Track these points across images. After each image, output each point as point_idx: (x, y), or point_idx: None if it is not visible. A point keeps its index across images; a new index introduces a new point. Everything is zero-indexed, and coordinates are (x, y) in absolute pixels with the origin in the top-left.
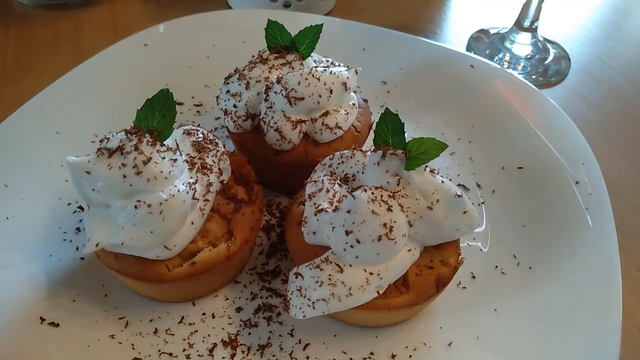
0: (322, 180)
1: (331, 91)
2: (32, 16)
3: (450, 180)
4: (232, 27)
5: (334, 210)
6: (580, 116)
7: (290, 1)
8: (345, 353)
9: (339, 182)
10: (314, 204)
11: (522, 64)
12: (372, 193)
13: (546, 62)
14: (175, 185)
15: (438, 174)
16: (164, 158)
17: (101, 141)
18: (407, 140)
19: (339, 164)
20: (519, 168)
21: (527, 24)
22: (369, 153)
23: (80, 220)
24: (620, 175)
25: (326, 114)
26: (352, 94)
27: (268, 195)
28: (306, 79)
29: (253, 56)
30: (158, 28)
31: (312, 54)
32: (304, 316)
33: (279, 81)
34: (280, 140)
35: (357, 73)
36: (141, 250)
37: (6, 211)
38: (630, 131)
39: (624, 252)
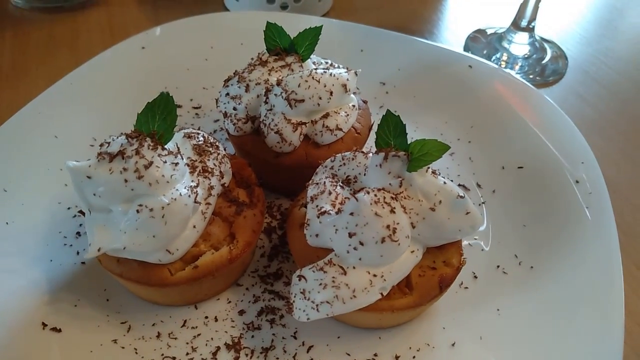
0: (324, 182)
1: (331, 93)
2: (28, 19)
3: (452, 181)
4: (230, 29)
5: (336, 213)
6: (578, 115)
7: (287, 2)
8: (349, 355)
9: (341, 184)
10: (317, 206)
11: (519, 64)
12: (375, 195)
13: (543, 61)
14: (177, 189)
15: (439, 175)
16: (165, 162)
17: (101, 145)
18: (408, 142)
19: (340, 165)
20: (519, 168)
21: (524, 23)
22: (370, 155)
23: (81, 225)
24: (618, 174)
25: (326, 115)
26: (352, 95)
27: (268, 198)
28: (306, 81)
29: (252, 58)
30: (156, 30)
31: (311, 56)
32: (308, 319)
33: (279, 83)
34: (280, 142)
35: (356, 75)
36: (143, 254)
37: (6, 216)
38: (628, 130)
39: (624, 251)
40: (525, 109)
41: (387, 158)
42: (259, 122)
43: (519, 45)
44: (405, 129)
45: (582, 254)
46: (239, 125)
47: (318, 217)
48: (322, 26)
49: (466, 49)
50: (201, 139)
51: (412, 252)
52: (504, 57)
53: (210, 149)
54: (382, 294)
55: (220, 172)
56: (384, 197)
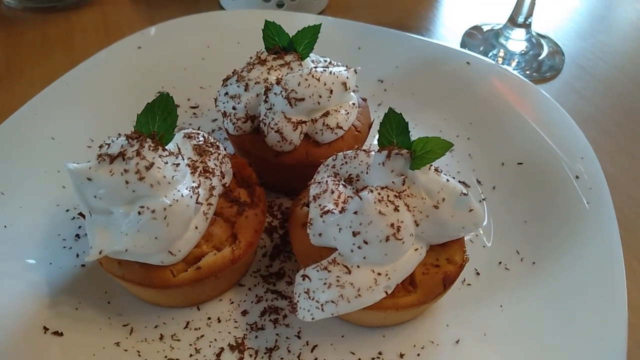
0: (326, 181)
1: (331, 91)
2: (21, 19)
3: (454, 178)
4: (226, 27)
5: (340, 212)
6: (575, 110)
7: (283, 1)
8: (353, 353)
9: (343, 183)
10: (319, 205)
11: (516, 60)
12: (379, 193)
13: (540, 57)
14: (178, 190)
15: (441, 172)
16: (166, 163)
17: (101, 147)
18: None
19: (342, 164)
20: (519, 164)
21: (521, 20)
22: (372, 153)
23: (80, 227)
24: (617, 169)
25: (327, 114)
26: (352, 93)
27: (269, 197)
28: (306, 79)
29: (251, 57)
30: (151, 30)
31: (310, 54)
32: (312, 318)
33: (278, 82)
34: (281, 141)
35: (356, 72)
36: (145, 256)
37: (4, 219)
38: (625, 124)
39: (625, 246)
40: (524, 105)
41: (390, 156)
42: (259, 121)
43: (516, 41)
44: (408, 127)
45: (584, 249)
46: (239, 125)
47: (321, 216)
48: (320, 24)
49: (463, 45)
50: (201, 139)
51: (416, 250)
52: (501, 54)
53: (211, 149)
54: (386, 292)
55: (221, 172)
56: (388, 196)
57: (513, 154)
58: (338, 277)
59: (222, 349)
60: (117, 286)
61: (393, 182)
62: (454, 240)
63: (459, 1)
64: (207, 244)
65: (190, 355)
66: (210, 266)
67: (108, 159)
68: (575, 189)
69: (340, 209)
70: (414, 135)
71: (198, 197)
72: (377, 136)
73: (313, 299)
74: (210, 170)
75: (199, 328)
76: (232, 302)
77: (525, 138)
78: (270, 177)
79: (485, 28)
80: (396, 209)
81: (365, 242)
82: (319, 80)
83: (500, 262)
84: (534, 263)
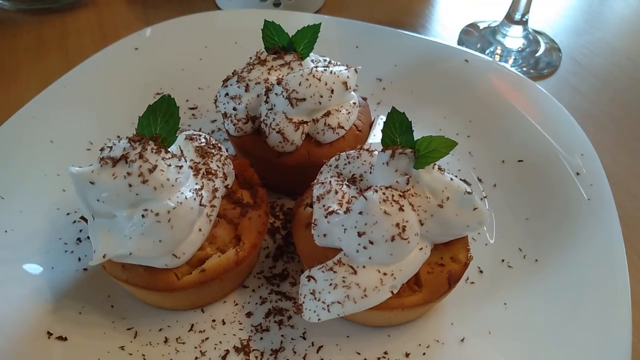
0: (330, 181)
1: (332, 91)
2: (15, 21)
3: (456, 176)
4: (224, 27)
5: (345, 212)
6: (573, 107)
7: (280, 0)
8: (359, 354)
9: (347, 183)
10: (323, 206)
11: (513, 57)
12: (384, 193)
13: (537, 54)
14: (182, 193)
15: (445, 171)
16: (169, 165)
17: (102, 149)
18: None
19: (345, 164)
20: (519, 161)
21: (518, 17)
22: (375, 152)
23: (81, 230)
24: (617, 165)
25: (328, 114)
26: (353, 92)
27: (270, 198)
28: (307, 79)
29: (251, 58)
30: (148, 31)
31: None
32: (318, 319)
33: (279, 82)
34: (282, 142)
35: (356, 72)
36: (149, 259)
37: (4, 224)
38: (623, 120)
39: (626, 241)
40: (524, 102)
41: (394, 156)
42: (260, 122)
43: (513, 38)
44: (411, 126)
45: (586, 245)
46: (240, 126)
47: (326, 216)
48: (320, 24)
49: (460, 43)
50: (203, 140)
51: (421, 249)
52: (498, 51)
53: (213, 150)
54: (392, 292)
55: (224, 173)
56: (393, 195)
57: (513, 151)
58: (344, 277)
59: (227, 351)
60: (120, 289)
61: (397, 181)
62: (457, 239)
63: None
64: (211, 246)
65: (196, 358)
66: (215, 268)
67: (111, 162)
68: (576, 185)
69: (345, 209)
70: (414, 134)
71: (201, 199)
72: (376, 135)
73: (319, 299)
74: (213, 172)
75: (204, 330)
76: (237, 304)
77: (525, 135)
78: (272, 177)
79: (481, 25)
80: (401, 209)
81: (371, 242)
82: (319, 80)
83: (503, 260)
84: (536, 260)
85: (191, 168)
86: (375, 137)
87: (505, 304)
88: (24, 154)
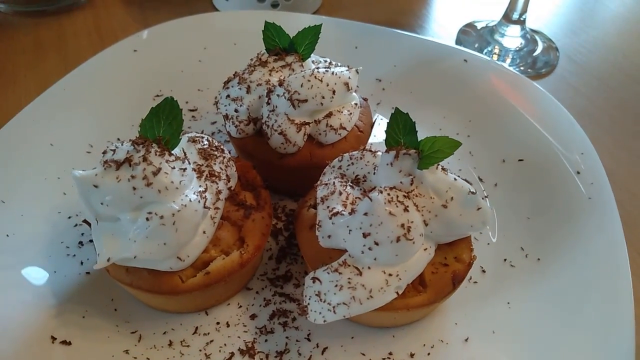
0: (333, 182)
1: (334, 92)
2: (12, 24)
3: (459, 176)
4: (222, 29)
5: (349, 213)
6: (571, 106)
7: (278, 1)
8: (364, 355)
9: (351, 184)
10: (327, 207)
11: (510, 56)
12: (388, 194)
13: (535, 53)
14: (186, 195)
15: (448, 171)
16: (173, 168)
17: (104, 152)
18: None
19: (348, 165)
20: (519, 160)
21: (515, 16)
22: (379, 153)
23: (83, 234)
24: (615, 163)
25: (329, 115)
26: (354, 93)
27: (272, 199)
28: (309, 80)
29: (252, 59)
30: (147, 33)
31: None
32: (324, 321)
33: (281, 84)
34: (285, 143)
35: (357, 73)
36: (154, 262)
37: (6, 228)
38: (621, 118)
39: (627, 240)
40: (523, 102)
41: (398, 156)
42: (262, 123)
43: (511, 38)
44: (415, 127)
45: (587, 244)
46: (241, 127)
47: (330, 218)
48: (321, 25)
49: (458, 42)
50: (206, 142)
51: (425, 249)
52: (496, 50)
53: (216, 152)
54: (397, 292)
55: (227, 175)
56: (397, 196)
57: (513, 150)
58: (349, 278)
59: (232, 354)
60: (123, 293)
61: (401, 182)
62: (460, 239)
63: None
64: (215, 249)
65: None
66: (219, 271)
67: (114, 165)
68: (577, 184)
69: (349, 210)
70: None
71: (205, 202)
72: (376, 136)
73: (324, 301)
74: (216, 174)
75: (208, 333)
76: (240, 306)
77: (525, 135)
78: (274, 179)
79: (479, 25)
80: (406, 209)
81: (376, 243)
82: (321, 81)
83: (505, 259)
84: (538, 259)
85: (194, 170)
86: (376, 137)
87: (508, 303)
88: (24, 157)
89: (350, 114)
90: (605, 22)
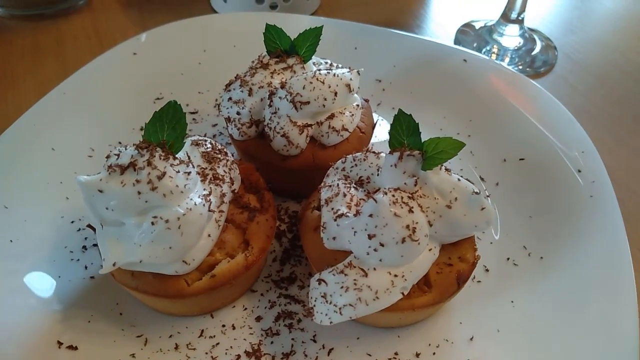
0: (337, 184)
1: (336, 94)
2: (10, 28)
3: (462, 177)
4: (221, 31)
5: (354, 215)
6: (571, 104)
7: (276, 2)
8: (370, 355)
9: (355, 186)
10: (332, 209)
11: (509, 56)
12: (393, 195)
13: (533, 52)
14: (191, 199)
15: (451, 171)
16: (178, 172)
17: (108, 157)
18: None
19: (352, 167)
20: (520, 159)
21: (514, 15)
22: (382, 154)
23: (86, 238)
24: (615, 161)
25: (332, 116)
26: (355, 95)
27: (275, 201)
28: (311, 82)
29: (253, 61)
30: (146, 36)
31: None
32: (330, 322)
33: (283, 86)
34: (287, 145)
35: (359, 74)
36: (159, 266)
37: (9, 234)
38: (620, 116)
39: (628, 237)
40: (523, 101)
41: (402, 158)
42: (264, 125)
43: (510, 37)
44: (418, 128)
45: (590, 242)
46: (244, 130)
47: (335, 219)
48: (322, 27)
49: (456, 42)
50: (209, 145)
51: (430, 250)
52: (495, 50)
53: (219, 155)
54: (403, 293)
55: (231, 178)
56: (402, 197)
57: (514, 150)
58: (355, 280)
59: (238, 356)
60: (128, 297)
61: (405, 183)
62: (464, 239)
63: None
64: (220, 252)
65: None
66: (225, 274)
67: (119, 170)
68: (578, 182)
69: (354, 212)
70: None
71: (210, 205)
72: (377, 136)
73: (330, 302)
74: (220, 177)
75: (214, 336)
76: (246, 309)
77: (526, 134)
78: (277, 181)
79: (477, 25)
80: (411, 210)
81: (382, 245)
82: (323, 83)
83: (508, 258)
84: (541, 258)
85: (198, 174)
86: (377, 137)
87: (512, 302)
88: (25, 163)
89: (352, 115)
90: (602, 20)
